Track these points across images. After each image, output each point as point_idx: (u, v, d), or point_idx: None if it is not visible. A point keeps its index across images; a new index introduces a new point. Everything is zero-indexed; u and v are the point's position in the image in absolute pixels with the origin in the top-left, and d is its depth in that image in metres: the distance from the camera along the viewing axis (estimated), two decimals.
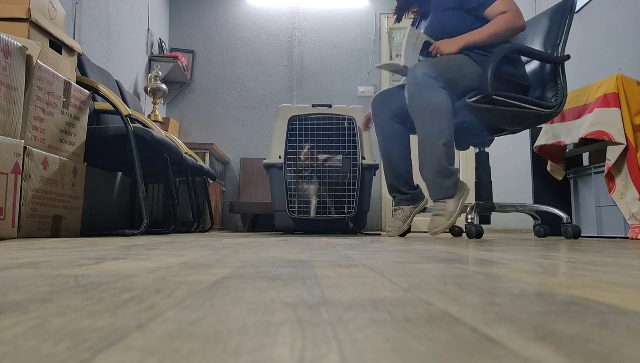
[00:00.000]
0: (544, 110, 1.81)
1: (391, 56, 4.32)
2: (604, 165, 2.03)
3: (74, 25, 2.54)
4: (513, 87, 1.82)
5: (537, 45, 1.97)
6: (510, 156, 3.47)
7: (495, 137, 2.07)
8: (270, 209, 3.38)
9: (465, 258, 0.72)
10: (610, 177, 1.99)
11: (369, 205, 2.74)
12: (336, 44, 4.36)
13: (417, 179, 1.90)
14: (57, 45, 1.73)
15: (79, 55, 2.00)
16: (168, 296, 0.33)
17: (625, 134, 1.92)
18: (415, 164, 1.82)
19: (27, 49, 1.45)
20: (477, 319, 0.26)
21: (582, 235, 2.28)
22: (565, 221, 1.84)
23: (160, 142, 2.05)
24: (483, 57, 1.77)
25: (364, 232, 2.98)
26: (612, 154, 1.96)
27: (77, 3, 2.57)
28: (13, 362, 0.17)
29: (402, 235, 1.94)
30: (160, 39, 3.99)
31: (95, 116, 2.25)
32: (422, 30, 1.93)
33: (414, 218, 1.98)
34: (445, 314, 0.27)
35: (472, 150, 2.18)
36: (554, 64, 1.87)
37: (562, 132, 2.25)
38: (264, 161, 2.67)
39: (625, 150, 1.92)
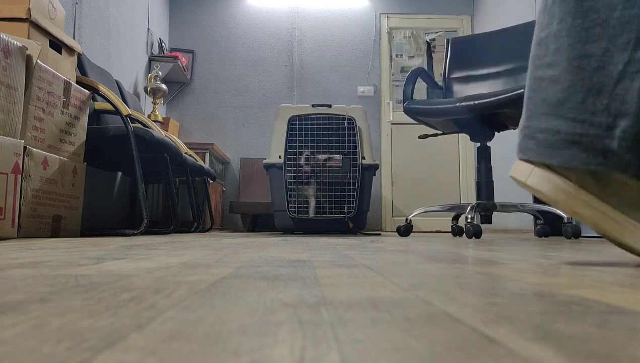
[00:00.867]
0: None
1: (391, 56, 4.32)
2: None
3: (74, 25, 2.54)
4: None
5: None
6: (511, 155, 3.47)
7: (496, 135, 2.07)
8: (270, 209, 3.38)
9: (465, 258, 0.72)
10: None
11: (369, 205, 2.73)
12: (336, 44, 4.36)
13: None
14: (57, 45, 1.73)
15: (79, 55, 2.00)
16: (168, 296, 0.33)
17: None
18: None
19: (27, 49, 1.45)
20: (477, 319, 0.26)
21: (582, 235, 2.28)
22: (565, 221, 1.84)
23: (160, 142, 2.05)
24: None
25: (364, 232, 2.98)
26: None
27: (77, 3, 2.57)
28: (13, 362, 0.17)
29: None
30: (160, 39, 3.99)
31: (95, 116, 2.25)
32: None
33: (414, 218, 1.97)
34: (445, 314, 0.27)
35: (473, 147, 2.17)
36: None
37: None
38: (264, 161, 2.67)
39: None
